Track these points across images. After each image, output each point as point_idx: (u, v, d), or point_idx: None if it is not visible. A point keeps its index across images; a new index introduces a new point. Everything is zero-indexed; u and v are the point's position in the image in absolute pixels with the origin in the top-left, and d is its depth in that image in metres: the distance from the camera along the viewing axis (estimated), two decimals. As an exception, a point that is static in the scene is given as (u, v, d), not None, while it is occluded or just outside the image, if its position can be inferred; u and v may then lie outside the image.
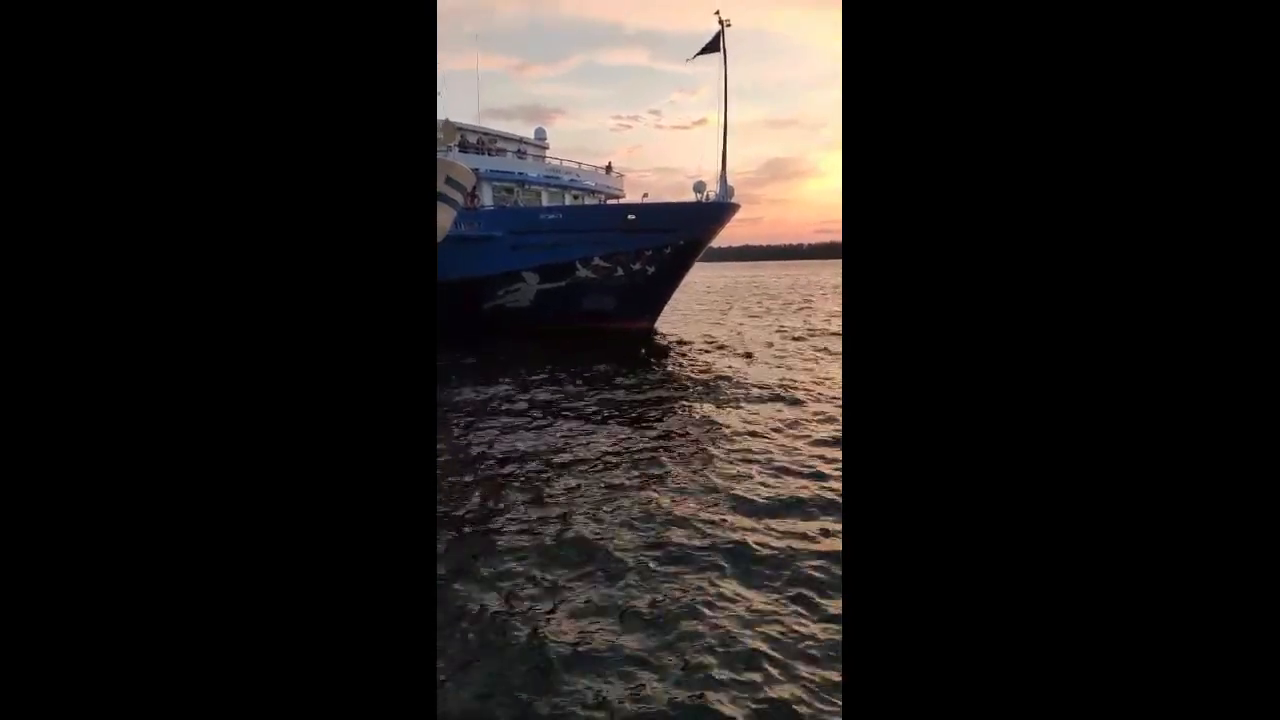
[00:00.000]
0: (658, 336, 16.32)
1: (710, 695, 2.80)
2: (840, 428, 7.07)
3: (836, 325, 17.62)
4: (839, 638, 3.18)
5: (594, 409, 8.18)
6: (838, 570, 3.87)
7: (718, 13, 15.11)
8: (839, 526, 4.52)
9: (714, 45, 15.29)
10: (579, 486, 5.42)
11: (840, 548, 4.15)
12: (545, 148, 21.12)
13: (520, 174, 18.08)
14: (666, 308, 18.19)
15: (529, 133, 21.08)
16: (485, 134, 18.91)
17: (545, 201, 18.41)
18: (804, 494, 5.15)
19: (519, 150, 19.71)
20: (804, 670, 2.97)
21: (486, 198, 17.09)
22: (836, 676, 2.90)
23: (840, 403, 8.24)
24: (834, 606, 3.50)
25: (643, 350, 13.63)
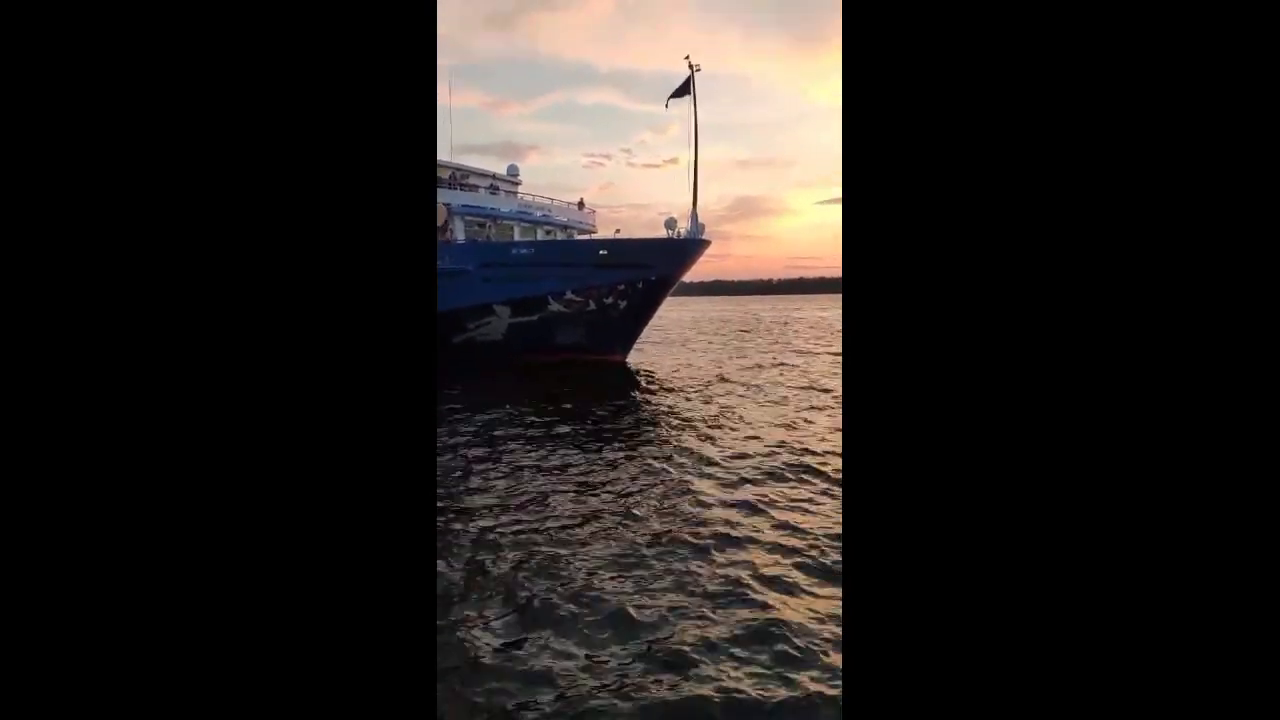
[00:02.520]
0: (633, 369, 16.35)
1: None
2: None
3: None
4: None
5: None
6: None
7: (688, 57, 15.64)
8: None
9: (685, 89, 15.77)
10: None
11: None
12: (518, 183, 21.32)
13: (492, 209, 18.18)
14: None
15: (502, 169, 21.31)
16: (458, 169, 19.02)
17: (517, 236, 18.51)
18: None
19: (491, 186, 19.85)
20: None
21: (459, 232, 17.12)
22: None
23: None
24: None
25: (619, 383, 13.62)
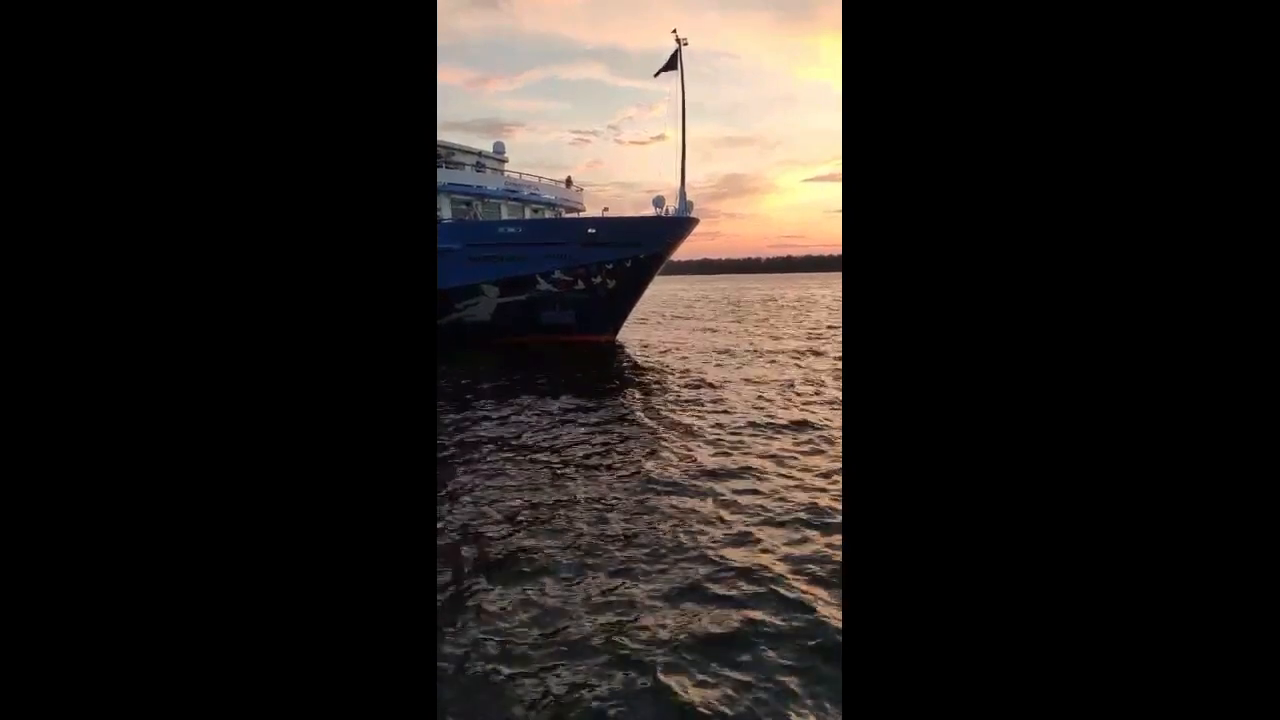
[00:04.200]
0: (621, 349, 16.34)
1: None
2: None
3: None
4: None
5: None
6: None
7: (674, 31, 15.41)
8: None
9: (671, 63, 15.56)
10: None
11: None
12: (504, 161, 21.05)
13: (479, 187, 17.96)
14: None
15: (488, 146, 21.00)
16: (443, 147, 18.72)
17: (504, 215, 18.32)
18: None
19: (478, 164, 19.59)
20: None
21: (445, 211, 16.91)
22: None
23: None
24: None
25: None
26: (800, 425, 7.82)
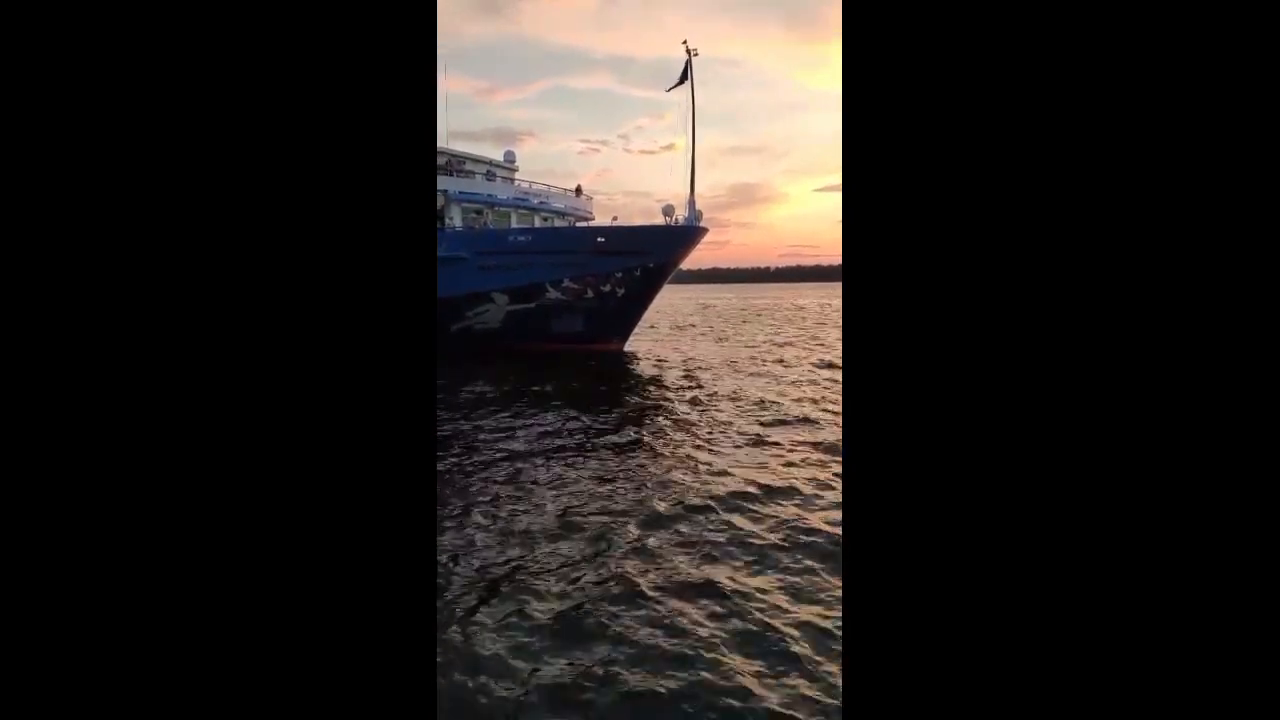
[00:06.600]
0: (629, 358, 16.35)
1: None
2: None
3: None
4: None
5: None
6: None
7: (685, 42, 15.48)
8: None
9: (684, 75, 15.62)
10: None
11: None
12: (514, 170, 21.18)
13: (489, 196, 18.08)
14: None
15: (496, 155, 21.17)
16: (454, 156, 18.87)
17: (515, 223, 18.41)
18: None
19: (488, 172, 19.72)
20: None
21: (456, 219, 17.03)
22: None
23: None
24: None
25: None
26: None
